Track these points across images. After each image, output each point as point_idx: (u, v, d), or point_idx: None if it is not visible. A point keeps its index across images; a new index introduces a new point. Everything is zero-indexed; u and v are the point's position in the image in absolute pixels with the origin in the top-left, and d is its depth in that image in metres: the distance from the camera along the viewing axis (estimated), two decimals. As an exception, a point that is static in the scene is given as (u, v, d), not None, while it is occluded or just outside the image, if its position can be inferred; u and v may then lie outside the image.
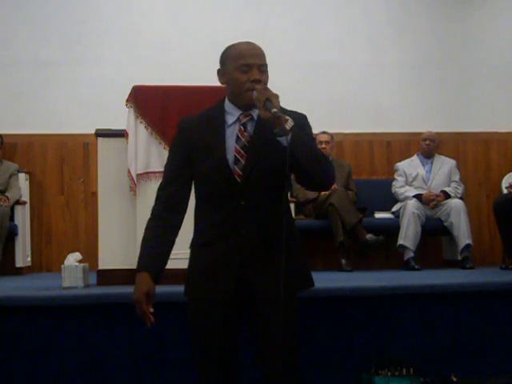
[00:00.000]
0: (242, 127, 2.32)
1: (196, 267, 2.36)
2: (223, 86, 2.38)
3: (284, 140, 2.15)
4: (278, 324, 2.23)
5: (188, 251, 2.40)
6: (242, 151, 2.29)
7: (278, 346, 2.24)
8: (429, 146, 6.07)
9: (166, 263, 2.33)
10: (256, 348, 2.35)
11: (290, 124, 2.17)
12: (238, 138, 2.31)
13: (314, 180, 2.26)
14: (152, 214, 2.36)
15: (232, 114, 2.33)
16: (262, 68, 2.29)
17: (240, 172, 2.28)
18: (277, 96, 2.19)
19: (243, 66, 2.26)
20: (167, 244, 2.33)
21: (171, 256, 2.35)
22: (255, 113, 2.31)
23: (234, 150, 2.29)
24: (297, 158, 2.16)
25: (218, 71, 2.37)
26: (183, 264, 2.41)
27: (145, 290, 2.24)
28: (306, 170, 2.21)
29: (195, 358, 2.38)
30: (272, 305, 2.23)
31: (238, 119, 2.33)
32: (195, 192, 2.39)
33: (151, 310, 2.25)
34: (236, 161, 2.29)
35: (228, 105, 2.35)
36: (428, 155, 6.10)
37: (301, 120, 2.32)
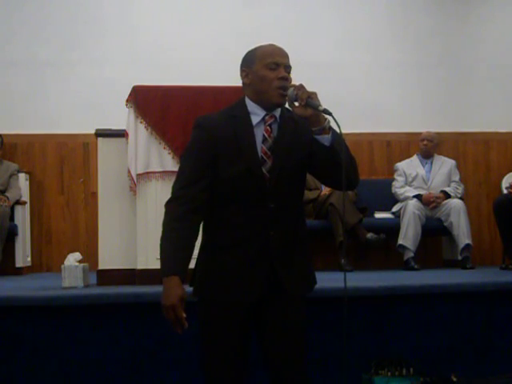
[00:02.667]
0: (268, 128, 2.31)
1: (218, 269, 2.30)
2: (240, 86, 2.38)
3: (325, 138, 2.19)
4: (296, 322, 2.30)
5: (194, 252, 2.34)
6: (268, 152, 2.28)
7: (295, 345, 2.29)
8: (426, 146, 6.06)
9: (188, 267, 2.26)
10: (265, 347, 2.34)
11: (328, 122, 2.20)
12: (264, 138, 2.30)
13: (348, 178, 2.26)
14: (171, 214, 2.26)
15: (257, 114, 2.32)
16: (288, 69, 2.31)
17: (267, 173, 2.28)
18: (316, 93, 2.21)
19: (271, 63, 2.28)
20: (191, 247, 2.26)
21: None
22: (277, 113, 2.33)
23: (260, 151, 2.29)
24: (338, 156, 2.18)
25: (242, 72, 2.36)
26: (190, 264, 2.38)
27: (180, 295, 2.17)
28: (344, 169, 2.20)
29: (205, 357, 2.35)
30: (294, 303, 2.29)
31: (264, 120, 2.32)
32: (213, 192, 2.30)
33: (184, 315, 2.17)
34: (263, 162, 2.28)
35: (251, 105, 2.33)
36: (427, 155, 6.10)
37: None
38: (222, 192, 2.29)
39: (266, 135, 2.30)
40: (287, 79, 2.27)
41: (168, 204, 2.29)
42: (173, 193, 2.30)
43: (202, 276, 2.35)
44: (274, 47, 2.34)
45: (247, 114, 2.32)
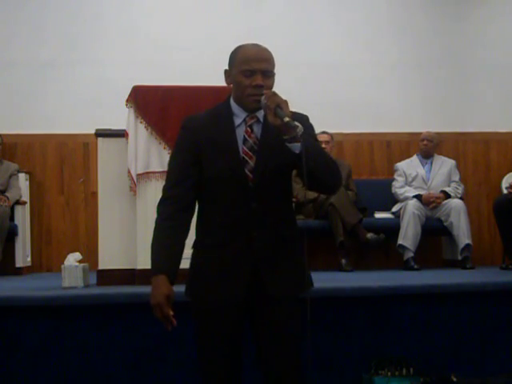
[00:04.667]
0: (248, 129, 2.30)
1: (204, 269, 2.32)
2: (227, 86, 2.37)
3: (294, 147, 2.15)
4: (286, 324, 2.27)
5: (190, 251, 2.38)
6: (250, 152, 2.28)
7: (286, 346, 2.27)
8: (426, 146, 6.06)
9: (179, 265, 2.29)
10: (259, 348, 2.34)
11: (300, 130, 2.14)
12: (245, 139, 2.29)
13: (324, 184, 2.26)
14: (161, 214, 2.31)
15: (238, 115, 2.32)
16: (267, 74, 2.27)
17: (249, 173, 2.27)
18: (286, 102, 2.17)
19: (247, 71, 2.25)
20: (180, 245, 2.29)
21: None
22: (261, 114, 2.30)
23: (242, 152, 2.28)
24: (308, 163, 2.14)
25: (225, 71, 2.36)
26: (185, 264, 2.39)
27: (166, 293, 2.19)
28: (317, 175, 2.19)
29: (199, 358, 2.36)
30: (283, 305, 2.26)
31: (245, 121, 2.31)
32: (201, 192, 2.34)
33: (171, 312, 2.20)
34: (244, 162, 2.28)
35: (234, 106, 2.33)
36: (427, 155, 6.10)
37: (303, 121, 2.31)
38: (208, 191, 2.32)
39: (246, 136, 2.30)
40: (262, 86, 2.23)
41: (159, 205, 2.34)
42: (162, 193, 2.35)
43: (191, 275, 2.37)
44: (253, 51, 2.28)
45: (230, 115, 2.32)
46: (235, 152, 2.27)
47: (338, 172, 2.30)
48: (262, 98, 2.20)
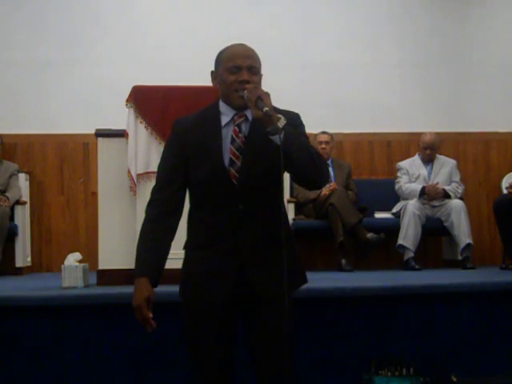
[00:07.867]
0: (236, 128, 2.30)
1: (193, 269, 2.34)
2: (214, 87, 2.38)
3: (276, 138, 2.14)
4: (276, 323, 2.25)
5: (181, 251, 2.39)
6: (237, 153, 2.27)
7: (276, 345, 2.25)
8: (429, 156, 6.03)
9: (164, 267, 2.31)
10: (251, 349, 2.34)
11: (282, 122, 2.14)
12: (233, 139, 2.29)
13: (308, 178, 2.24)
14: (148, 217, 2.33)
15: (226, 114, 2.32)
16: (253, 70, 2.28)
17: (236, 174, 2.27)
18: (268, 94, 2.18)
19: (232, 67, 2.27)
20: (165, 247, 2.31)
21: (170, 256, 2.34)
22: (249, 113, 2.29)
23: (229, 152, 2.28)
24: (290, 156, 2.13)
25: (212, 73, 2.38)
26: (177, 264, 2.41)
27: (145, 296, 2.21)
28: (299, 168, 2.18)
29: (191, 359, 2.37)
30: (272, 304, 2.24)
31: (233, 120, 2.31)
32: (190, 194, 2.36)
33: (151, 315, 2.22)
34: (231, 163, 2.27)
35: (222, 106, 2.34)
36: (428, 161, 6.08)
37: (294, 119, 2.31)
38: (196, 193, 2.34)
39: (233, 135, 2.29)
40: (247, 82, 2.24)
41: (147, 207, 2.36)
42: (150, 195, 2.37)
43: (182, 276, 2.39)
44: (236, 49, 2.32)
45: (218, 115, 2.33)
46: (219, 152, 2.27)
47: (323, 167, 2.27)
48: (245, 92, 2.21)
